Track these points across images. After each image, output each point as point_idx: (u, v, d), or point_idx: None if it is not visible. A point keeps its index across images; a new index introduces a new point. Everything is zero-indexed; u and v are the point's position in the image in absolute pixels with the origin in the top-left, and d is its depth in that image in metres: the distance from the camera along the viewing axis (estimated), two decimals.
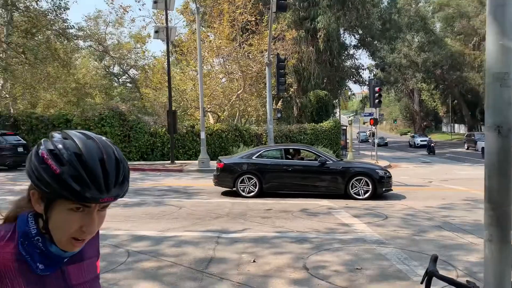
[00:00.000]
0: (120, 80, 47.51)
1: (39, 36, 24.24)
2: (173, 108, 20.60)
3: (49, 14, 23.97)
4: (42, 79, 29.11)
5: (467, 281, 2.28)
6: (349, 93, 47.77)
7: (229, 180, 11.19)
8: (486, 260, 2.11)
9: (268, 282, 4.92)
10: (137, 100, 37.47)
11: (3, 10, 23.13)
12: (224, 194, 11.44)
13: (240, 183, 11.08)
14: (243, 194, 10.99)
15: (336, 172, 10.91)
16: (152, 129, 21.79)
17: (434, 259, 2.44)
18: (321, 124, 25.46)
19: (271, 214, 8.79)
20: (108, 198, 1.01)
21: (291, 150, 12.00)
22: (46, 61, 25.21)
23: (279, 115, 21.77)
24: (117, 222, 7.61)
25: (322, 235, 7.05)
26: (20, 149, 16.72)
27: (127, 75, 45.24)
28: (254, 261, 5.63)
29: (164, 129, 21.37)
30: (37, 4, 23.82)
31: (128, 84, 46.09)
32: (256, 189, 11.01)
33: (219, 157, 12.24)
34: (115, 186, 1.02)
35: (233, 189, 11.17)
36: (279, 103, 27.74)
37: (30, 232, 1.05)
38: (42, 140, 1.06)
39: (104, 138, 1.08)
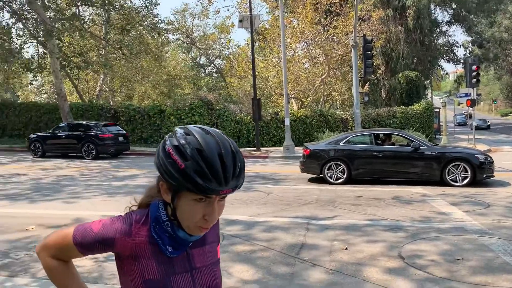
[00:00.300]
0: (206, 70, 49.22)
1: (133, 32, 25.85)
2: (257, 96, 20.89)
3: (142, 10, 25.44)
4: (137, 72, 31.12)
5: None
6: (442, 73, 44.68)
7: (316, 166, 11.12)
8: None
9: (362, 270, 4.84)
10: (223, 89, 38.58)
11: (101, 10, 25.01)
12: (311, 180, 11.41)
13: (327, 170, 10.96)
14: (331, 181, 10.86)
15: (430, 158, 10.33)
16: (238, 117, 22.32)
17: None
18: (412, 106, 24.18)
19: (361, 201, 8.59)
20: (227, 190, 1.09)
21: (381, 135, 11.58)
22: (140, 55, 26.89)
23: (366, 98, 21.03)
24: None
25: (417, 224, 6.75)
26: (121, 139, 18.11)
27: (213, 65, 46.70)
28: (346, 249, 5.56)
29: (249, 116, 21.78)
30: (130, 2, 25.44)
31: (214, 74, 47.60)
32: (344, 176, 10.81)
33: (305, 144, 12.20)
34: (232, 178, 1.09)
35: (320, 175, 11.09)
36: (366, 86, 26.81)
37: (161, 217, 1.16)
38: (167, 136, 1.16)
39: (219, 131, 1.15)
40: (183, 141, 1.10)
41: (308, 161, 11.30)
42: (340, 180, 10.81)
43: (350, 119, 22.58)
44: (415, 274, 4.68)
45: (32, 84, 29.88)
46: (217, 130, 1.16)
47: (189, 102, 22.81)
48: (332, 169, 10.94)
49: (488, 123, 50.42)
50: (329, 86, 26.53)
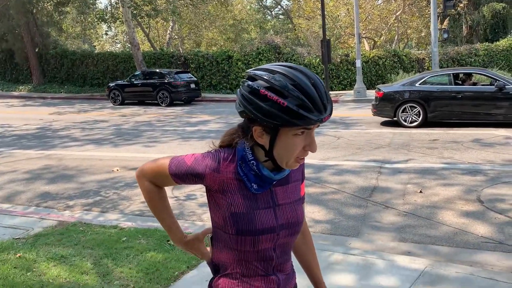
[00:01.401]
0: (273, 12, 48.04)
1: None
2: (327, 37, 20.16)
3: None
4: (204, 18, 31.18)
5: None
6: None
7: (389, 109, 10.72)
8: None
9: (437, 213, 4.74)
10: (290, 31, 37.65)
11: None
12: (384, 124, 11.07)
13: (401, 113, 10.53)
14: (405, 124, 10.46)
15: None
16: (306, 60, 21.85)
17: None
18: (497, 43, 22.06)
19: (437, 144, 8.24)
20: (327, 116, 1.14)
21: (461, 75, 10.81)
22: (206, 0, 26.80)
23: (445, 35, 19.39)
24: None
25: (498, 167, 6.39)
26: (192, 86, 18.60)
27: (279, 6, 45.43)
28: (420, 192, 5.44)
29: (318, 59, 21.23)
30: None
31: (280, 16, 46.40)
32: (420, 119, 10.34)
33: (378, 86, 11.74)
34: (328, 103, 1.14)
35: (394, 119, 10.71)
36: (445, 22, 24.77)
37: (247, 156, 1.22)
38: (246, 82, 1.17)
39: (293, 64, 1.17)
40: (274, 81, 1.11)
41: (381, 104, 10.91)
42: (415, 123, 10.38)
43: (426, 58, 21.20)
44: (495, 218, 4.50)
45: (107, 34, 31.18)
46: (291, 64, 1.17)
47: (256, 46, 22.63)
48: (407, 112, 10.50)
49: None
50: (404, 23, 24.86)
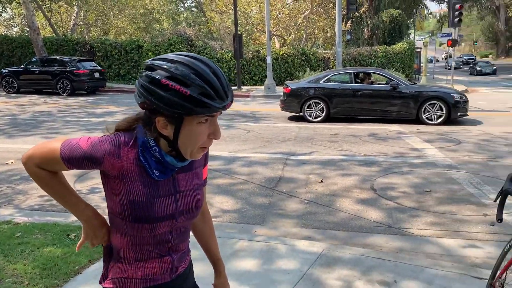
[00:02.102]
0: (185, 4, 47.35)
1: None
2: (239, 33, 20.41)
3: None
4: (113, 5, 29.76)
5: None
6: (426, 12, 44.13)
7: (296, 105, 11.21)
8: None
9: (335, 200, 5.09)
10: (203, 24, 37.42)
11: None
12: (291, 119, 11.54)
13: (307, 108, 11.07)
14: (310, 119, 11.01)
15: (408, 97, 10.51)
16: (218, 54, 21.91)
17: (511, 179, 2.40)
18: (394, 46, 24.06)
19: (338, 138, 8.81)
20: (229, 103, 1.16)
21: (360, 74, 11.63)
22: None
23: (348, 37, 20.74)
24: None
25: (391, 159, 7.02)
26: (97, 75, 17.68)
27: None
28: (321, 181, 5.80)
29: (230, 54, 21.40)
30: None
31: (193, 9, 45.89)
32: (323, 114, 10.97)
33: (286, 82, 12.19)
34: (229, 91, 1.17)
35: (300, 114, 11.21)
36: (348, 24, 26.39)
37: (148, 142, 1.19)
38: (145, 72, 1.15)
39: (192, 54, 1.18)
40: (174, 70, 1.11)
41: (288, 100, 11.36)
42: (319, 119, 10.98)
43: (331, 58, 22.43)
44: (385, 204, 4.96)
45: (1, 16, 28.36)
46: (189, 53, 1.18)
47: (168, 37, 22.17)
48: (312, 108, 11.06)
49: (495, 67, 39.37)
50: (312, 23, 26.04)
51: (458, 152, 7.46)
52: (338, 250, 3.61)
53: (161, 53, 21.35)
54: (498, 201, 2.35)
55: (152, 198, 1.21)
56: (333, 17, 23.46)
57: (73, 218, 4.40)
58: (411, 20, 38.83)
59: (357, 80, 11.30)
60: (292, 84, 11.61)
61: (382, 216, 4.64)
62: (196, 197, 1.31)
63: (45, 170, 1.24)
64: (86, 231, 1.32)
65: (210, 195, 5.26)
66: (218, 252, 1.54)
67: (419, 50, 27.17)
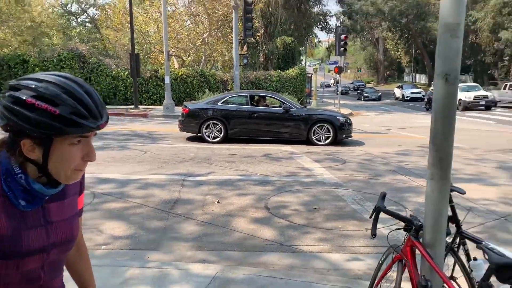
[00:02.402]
0: (78, 19, 45.06)
1: None
2: (136, 51, 19.96)
3: None
4: None
5: (410, 215, 2.53)
6: (316, 40, 47.50)
7: (194, 125, 11.23)
8: (427, 196, 2.35)
9: (231, 221, 5.17)
10: (98, 41, 35.89)
11: None
12: (189, 139, 11.51)
13: (205, 129, 11.16)
14: (208, 139, 11.10)
15: (299, 119, 11.15)
16: (114, 72, 21.15)
17: (383, 196, 2.68)
18: (287, 71, 25.44)
19: (235, 158, 8.99)
20: (103, 123, 1.11)
21: (256, 97, 12.07)
22: None
23: (245, 61, 21.50)
24: None
25: (283, 178, 7.34)
26: None
27: (86, 14, 42.90)
28: (218, 202, 5.85)
29: (127, 72, 20.80)
30: None
31: (87, 24, 43.84)
32: (221, 135, 11.14)
33: (184, 103, 12.18)
34: (103, 110, 1.12)
35: (198, 134, 11.25)
36: (245, 49, 27.34)
37: (13, 169, 1.09)
38: (8, 92, 1.07)
39: (62, 73, 1.13)
40: (42, 89, 1.05)
41: (187, 120, 11.34)
42: (217, 139, 11.12)
43: (230, 80, 22.96)
44: (278, 223, 5.16)
45: None
46: (59, 72, 1.12)
47: (58, 52, 20.85)
48: (210, 128, 11.17)
49: (380, 93, 42.90)
50: (211, 46, 26.46)
51: (343, 171, 8.06)
52: (231, 271, 3.66)
53: (50, 69, 19.96)
54: (372, 217, 2.61)
55: (18, 231, 1.10)
56: (230, 41, 24.13)
57: None
58: (303, 47, 41.49)
59: (253, 102, 11.71)
60: (191, 105, 11.64)
61: (275, 234, 4.81)
62: (70, 228, 1.22)
63: None
64: None
65: (100, 221, 5.00)
66: (93, 282, 1.45)
67: (310, 75, 29.09)
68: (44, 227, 1.16)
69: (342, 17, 55.27)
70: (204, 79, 22.70)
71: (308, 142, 11.13)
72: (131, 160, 8.45)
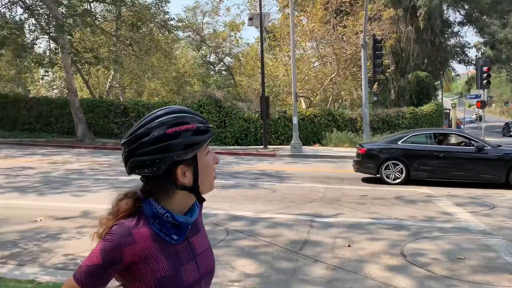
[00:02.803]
0: (216, 68, 49.29)
1: (143, 28, 26.03)
2: (266, 94, 20.95)
3: (152, 7, 25.61)
4: (147, 69, 31.30)
5: None
6: (453, 74, 44.35)
7: (373, 166, 10.75)
8: None
9: (363, 267, 4.89)
10: (232, 87, 38.64)
11: (112, 6, 25.22)
12: (316, 179, 11.43)
13: (384, 170, 10.59)
14: (388, 181, 10.54)
15: (495, 159, 10.11)
16: (246, 115, 22.39)
17: None
18: (421, 107, 24.08)
19: (366, 200, 8.62)
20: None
21: (439, 135, 11.17)
22: (150, 52, 27.07)
23: (375, 98, 20.97)
24: (216, 202, 8.04)
25: (420, 223, 6.77)
26: None
27: (222, 63, 46.77)
28: (349, 246, 5.61)
29: (257, 114, 21.84)
30: None
31: (223, 72, 47.65)
32: (403, 176, 10.48)
33: (360, 142, 11.90)
34: None
35: (377, 175, 10.74)
36: (375, 86, 26.75)
37: (159, 211, 1.21)
38: (140, 141, 1.19)
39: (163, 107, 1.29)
40: (167, 119, 1.19)
41: (364, 160, 10.94)
42: (398, 180, 10.51)
43: (358, 118, 22.54)
44: (416, 272, 4.72)
45: (43, 79, 30.23)
46: (158, 109, 1.28)
47: (198, 99, 22.93)
48: (390, 169, 10.58)
49: None
50: (338, 85, 26.51)
51: (492, 217, 7.14)
52: None
53: None
54: None
55: (177, 269, 1.21)
56: (359, 79, 23.89)
57: None
58: (438, 82, 39.03)
59: (435, 141, 10.86)
60: (368, 145, 11.35)
61: (413, 284, 4.40)
62: (211, 257, 1.34)
63: None
64: None
65: (232, 258, 5.15)
66: None
67: (447, 111, 27.05)
68: (193, 260, 1.27)
69: (483, 47, 50.97)
70: (331, 118, 22.68)
71: (508, 185, 9.87)
72: (261, 198, 8.67)
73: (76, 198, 8.67)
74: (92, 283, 1.15)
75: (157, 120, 1.20)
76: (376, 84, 27.07)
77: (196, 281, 1.25)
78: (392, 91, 29.98)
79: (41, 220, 6.83)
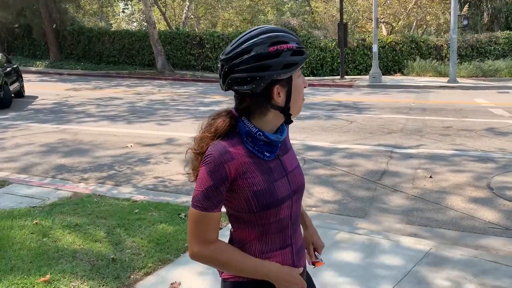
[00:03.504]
0: None
1: None
2: (344, 21, 19.90)
3: None
4: None
5: None
6: None
7: None
8: None
9: (445, 198, 4.77)
10: (307, 14, 37.17)
11: None
12: (397, 109, 10.98)
13: None
14: None
15: None
16: (322, 44, 21.62)
17: None
18: None
19: (450, 131, 8.18)
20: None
21: None
22: None
23: (465, 22, 18.89)
24: (292, 132, 8.05)
25: (510, 156, 6.35)
26: None
27: None
28: (430, 177, 5.46)
29: (334, 43, 20.99)
30: None
31: None
32: None
33: None
34: None
35: None
36: (465, 9, 24.24)
37: (251, 130, 1.27)
38: (242, 58, 1.21)
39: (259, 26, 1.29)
40: (272, 37, 1.21)
41: None
42: None
43: (445, 45, 20.82)
44: (503, 205, 4.52)
45: (124, 12, 31.16)
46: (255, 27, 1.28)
47: None
48: None
49: None
50: (424, 8, 24.37)
51: None
52: (447, 250, 3.39)
53: None
54: None
55: (272, 183, 1.28)
56: (447, 2, 21.73)
57: (183, 198, 4.73)
58: None
59: None
60: None
61: (499, 217, 4.24)
62: (301, 174, 1.40)
63: (212, 243, 1.25)
64: (284, 287, 1.28)
65: (309, 185, 5.26)
66: (310, 220, 1.60)
67: None
68: (285, 177, 1.33)
69: None
70: (415, 45, 21.16)
71: None
72: (338, 129, 8.58)
73: (161, 126, 9.20)
74: (211, 205, 1.22)
75: (258, 37, 1.21)
76: (466, 6, 24.48)
77: (288, 196, 1.31)
78: (485, 14, 27.03)
79: (131, 146, 7.40)
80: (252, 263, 1.27)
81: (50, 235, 3.65)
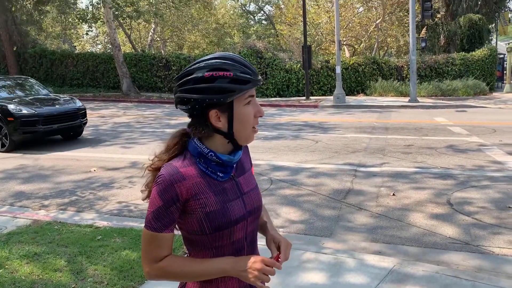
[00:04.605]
0: (256, 17, 48.30)
1: None
2: (308, 43, 20.40)
3: None
4: (187, 21, 31.17)
5: None
6: (510, 15, 41.13)
7: None
8: None
9: (408, 215, 4.89)
10: (272, 37, 37.93)
11: None
12: (360, 129, 11.26)
13: None
14: None
15: None
16: (287, 66, 22.03)
17: None
18: (473, 53, 22.68)
19: (412, 149, 8.45)
20: (260, 80, 1.29)
21: None
22: (189, 3, 26.80)
23: (423, 44, 19.82)
24: (259, 153, 8.16)
25: (468, 172, 6.60)
26: None
27: (262, 12, 45.73)
28: (393, 195, 5.59)
29: (299, 65, 21.44)
30: None
31: (263, 22, 46.67)
32: None
33: None
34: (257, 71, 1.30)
35: None
36: (423, 31, 25.36)
37: (203, 151, 1.29)
38: (182, 79, 1.27)
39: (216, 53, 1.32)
40: (211, 63, 1.24)
41: None
42: None
43: (405, 66, 21.64)
44: (462, 220, 4.67)
45: (88, 34, 30.81)
46: (211, 54, 1.31)
47: (238, 50, 22.72)
48: None
49: None
50: (384, 31, 25.37)
51: None
52: (410, 266, 3.46)
53: None
54: None
55: (225, 204, 1.28)
56: (406, 25, 22.71)
57: None
58: (492, 25, 36.40)
59: None
60: None
61: (458, 232, 4.37)
62: (257, 195, 1.40)
63: (161, 260, 1.26)
64: (246, 275, 1.24)
65: (276, 206, 5.28)
66: (271, 223, 1.52)
67: (502, 56, 25.41)
68: (240, 198, 1.34)
69: None
70: (376, 67, 21.89)
71: None
72: (304, 149, 8.69)
73: (125, 149, 9.05)
74: (161, 226, 1.24)
75: (203, 63, 1.26)
76: (424, 29, 25.62)
77: (243, 217, 1.32)
78: (441, 37, 28.33)
79: (94, 170, 7.23)
80: (206, 265, 1.27)
81: (6, 266, 3.49)
